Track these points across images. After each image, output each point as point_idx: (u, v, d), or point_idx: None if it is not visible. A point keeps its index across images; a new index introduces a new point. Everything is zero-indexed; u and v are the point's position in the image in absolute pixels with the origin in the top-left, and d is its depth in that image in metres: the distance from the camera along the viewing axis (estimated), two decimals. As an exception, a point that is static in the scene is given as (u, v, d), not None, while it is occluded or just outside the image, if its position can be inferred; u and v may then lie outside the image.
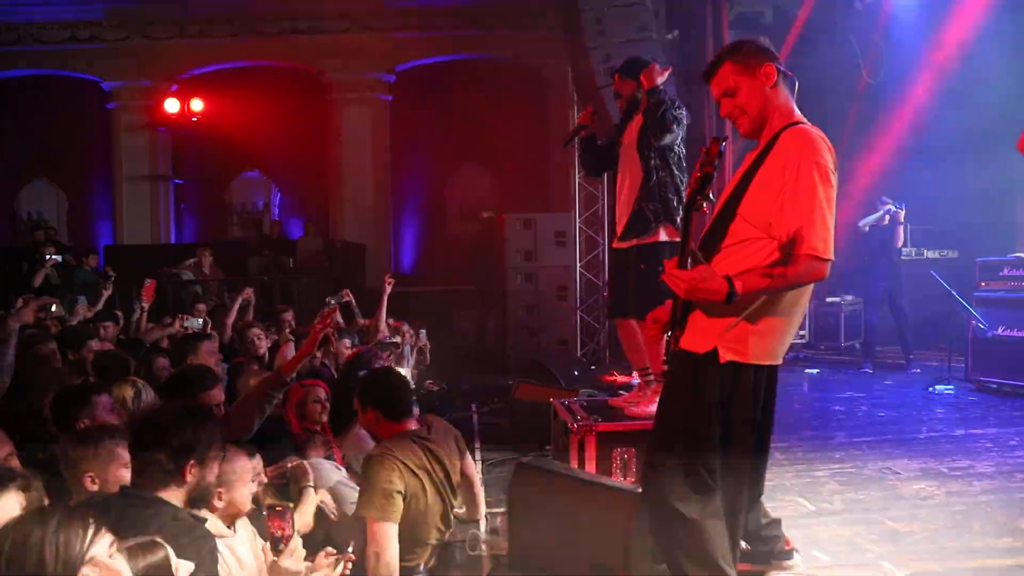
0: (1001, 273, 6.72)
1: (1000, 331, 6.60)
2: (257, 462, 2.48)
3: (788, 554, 2.96)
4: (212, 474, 2.17)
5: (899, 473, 4.47)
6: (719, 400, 2.42)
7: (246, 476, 2.41)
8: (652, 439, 2.65)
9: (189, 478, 2.09)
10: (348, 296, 6.66)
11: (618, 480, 3.76)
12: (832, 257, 2.31)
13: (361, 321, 6.82)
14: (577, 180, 9.89)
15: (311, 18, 12.28)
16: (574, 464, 3.86)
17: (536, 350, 8.85)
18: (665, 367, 2.68)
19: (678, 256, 2.33)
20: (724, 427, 2.45)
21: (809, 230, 2.28)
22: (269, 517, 2.38)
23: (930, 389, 6.83)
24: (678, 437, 2.48)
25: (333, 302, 4.29)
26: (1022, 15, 7.74)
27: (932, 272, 7.37)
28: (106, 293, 6.73)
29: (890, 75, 9.05)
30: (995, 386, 6.59)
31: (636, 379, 7.64)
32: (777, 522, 2.96)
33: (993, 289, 6.74)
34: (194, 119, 12.27)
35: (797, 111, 2.51)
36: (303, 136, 12.90)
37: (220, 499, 2.34)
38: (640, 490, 2.75)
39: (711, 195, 2.22)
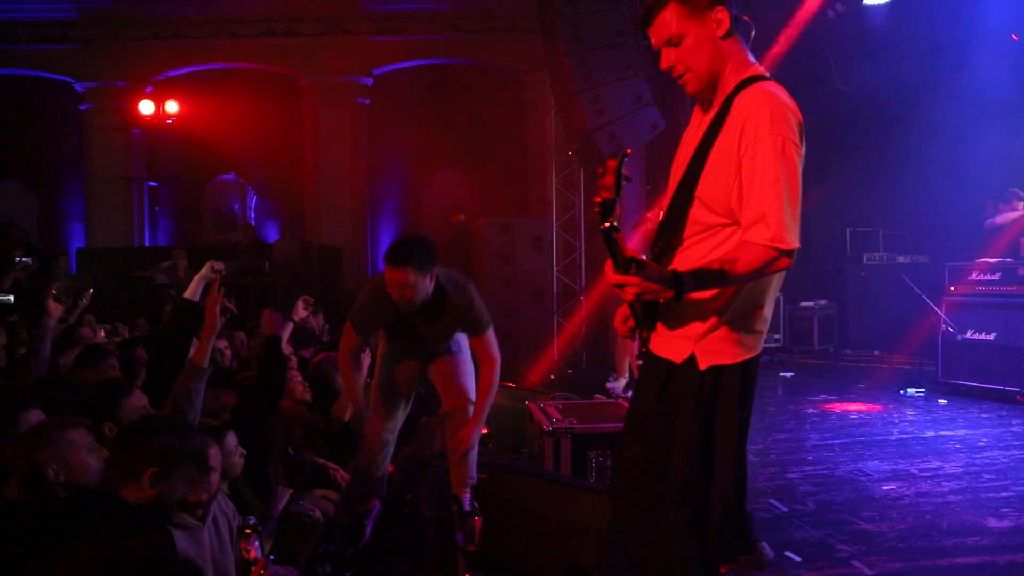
0: (970, 278, 6.85)
1: (969, 334, 6.72)
2: (216, 450, 2.46)
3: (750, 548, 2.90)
4: (177, 491, 2.16)
5: (870, 475, 4.53)
6: (698, 408, 2.17)
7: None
8: (624, 446, 2.39)
9: (148, 485, 2.09)
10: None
11: (593, 482, 3.78)
12: (797, 245, 1.98)
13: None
14: (554, 185, 9.94)
15: (288, 20, 12.22)
16: (549, 466, 3.88)
17: (512, 354, 8.86)
18: (639, 361, 2.43)
19: (613, 263, 1.94)
20: (707, 432, 2.21)
21: (772, 217, 1.96)
22: (239, 540, 2.39)
23: (901, 392, 6.94)
24: (653, 445, 2.25)
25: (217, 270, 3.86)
26: (997, 18, 7.90)
27: (904, 276, 7.49)
28: (84, 304, 6.26)
29: (861, 82, 9.19)
30: (965, 388, 6.70)
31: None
32: (748, 516, 2.90)
33: (962, 293, 6.87)
34: (169, 121, 12.16)
35: (754, 61, 2.13)
36: (279, 139, 12.83)
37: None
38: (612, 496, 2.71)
39: (616, 223, 1.84)
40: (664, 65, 2.13)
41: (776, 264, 1.99)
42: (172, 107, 12.13)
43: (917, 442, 5.26)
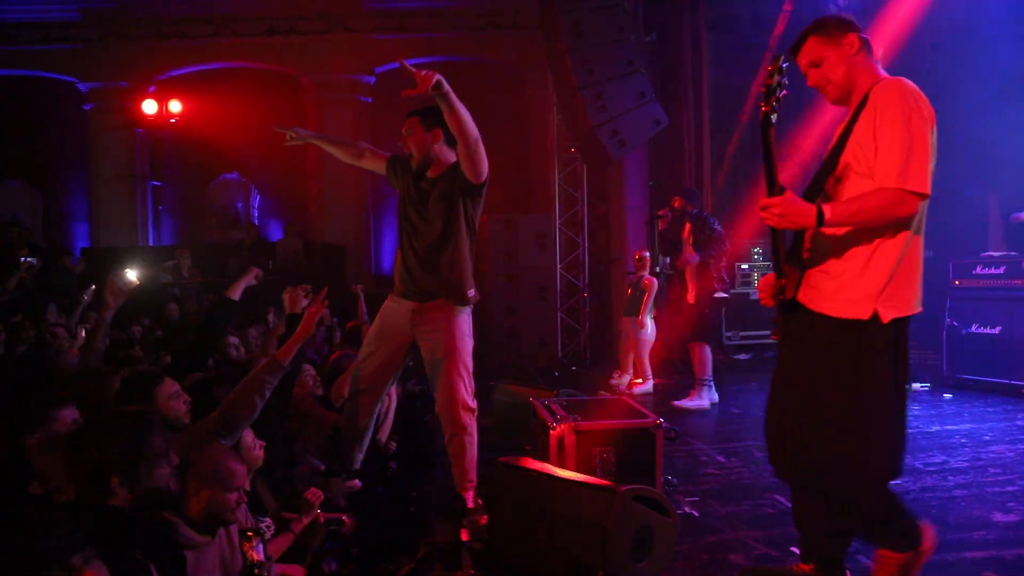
0: (974, 272, 6.83)
1: (974, 328, 6.70)
2: (243, 471, 2.46)
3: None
4: (161, 479, 2.16)
5: (875, 469, 4.52)
6: (892, 358, 2.48)
7: (230, 480, 2.39)
8: (816, 418, 2.53)
9: (120, 490, 2.07)
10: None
11: (597, 479, 3.78)
12: (927, 191, 2.38)
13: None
14: (557, 182, 9.93)
15: (290, 19, 12.22)
16: (554, 463, 3.87)
17: (516, 351, 8.87)
18: (777, 320, 2.70)
19: (767, 189, 2.45)
20: (897, 380, 2.52)
21: (897, 162, 2.37)
22: (241, 544, 2.39)
23: (906, 387, 6.92)
24: (859, 413, 2.47)
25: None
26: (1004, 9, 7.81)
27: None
28: (85, 301, 6.43)
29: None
30: (970, 383, 6.69)
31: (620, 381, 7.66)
32: None
33: (967, 287, 6.85)
34: (172, 120, 12.16)
35: (882, 71, 2.62)
36: (282, 138, 12.82)
37: (199, 499, 2.34)
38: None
39: (775, 104, 2.37)
40: (810, 82, 2.67)
41: (905, 205, 2.39)
42: (175, 106, 12.13)
43: (922, 436, 5.25)
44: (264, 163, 13.25)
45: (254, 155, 13.08)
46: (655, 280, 7.47)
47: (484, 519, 3.43)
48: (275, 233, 13.01)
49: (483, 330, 9.53)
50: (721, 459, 4.92)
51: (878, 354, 2.47)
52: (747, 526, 3.69)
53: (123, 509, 2.07)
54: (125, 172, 12.42)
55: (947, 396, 6.53)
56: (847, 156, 2.52)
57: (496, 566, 3.23)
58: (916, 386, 6.90)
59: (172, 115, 12.13)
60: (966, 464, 4.52)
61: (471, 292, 3.63)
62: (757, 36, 9.17)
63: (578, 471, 3.80)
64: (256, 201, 13.88)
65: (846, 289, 2.50)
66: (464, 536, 3.51)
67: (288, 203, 13.48)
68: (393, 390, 4.63)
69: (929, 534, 2.63)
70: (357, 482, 3.78)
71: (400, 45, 12.39)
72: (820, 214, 2.38)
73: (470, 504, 3.56)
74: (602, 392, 6.82)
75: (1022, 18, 7.73)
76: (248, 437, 2.87)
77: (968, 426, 5.47)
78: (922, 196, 2.39)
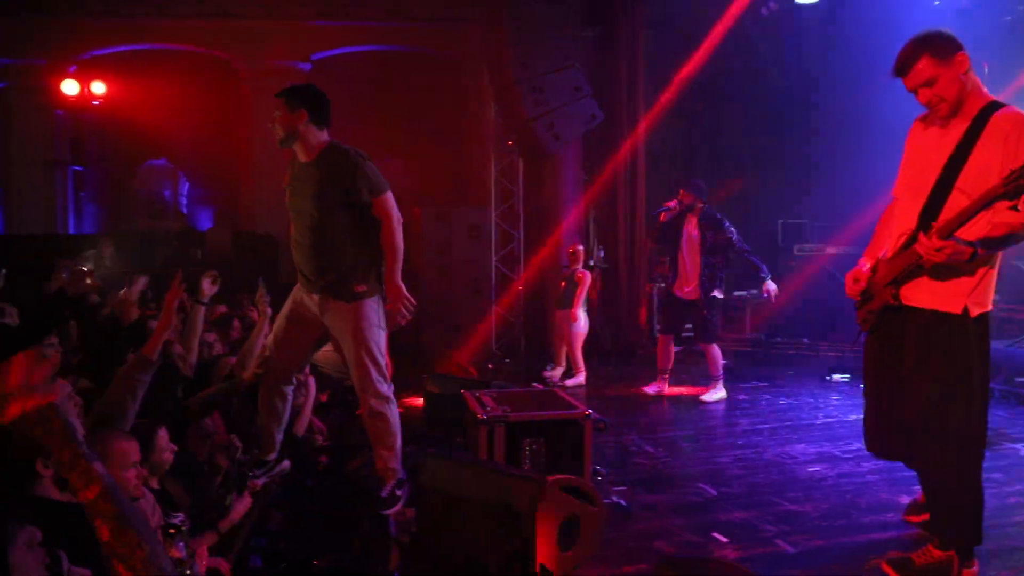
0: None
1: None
2: (134, 447, 2.40)
3: None
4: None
5: (796, 457, 4.69)
6: (978, 348, 2.79)
7: (119, 460, 2.33)
8: (920, 400, 2.84)
9: (43, 470, 2.02)
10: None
11: (527, 470, 3.81)
12: None
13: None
14: (493, 174, 9.93)
15: (224, 2, 11.86)
16: (484, 455, 3.89)
17: (450, 343, 8.85)
18: (867, 319, 3.07)
19: (925, 232, 2.72)
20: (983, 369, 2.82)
21: None
22: (163, 542, 2.34)
23: (827, 378, 7.19)
24: (958, 395, 2.78)
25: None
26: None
27: (834, 271, 7.71)
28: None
29: (796, 76, 9.42)
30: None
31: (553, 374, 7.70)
32: None
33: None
34: (95, 102, 11.66)
35: (985, 89, 2.80)
36: (213, 124, 12.46)
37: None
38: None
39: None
40: (921, 100, 2.83)
41: None
42: (99, 88, 11.63)
43: (841, 425, 5.47)
44: (194, 149, 12.83)
45: (183, 141, 12.65)
46: (588, 274, 7.56)
47: (411, 512, 3.42)
48: (205, 222, 12.63)
49: (417, 322, 9.47)
50: (649, 449, 5.02)
51: (967, 345, 2.78)
52: (672, 514, 3.78)
53: (37, 497, 2.01)
54: (43, 156, 11.85)
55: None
56: (962, 179, 2.72)
57: (424, 558, 3.22)
58: (836, 377, 7.17)
59: (95, 97, 11.63)
60: (880, 451, 4.72)
61: (360, 287, 3.48)
62: (695, 34, 9.33)
63: (508, 462, 3.83)
64: (185, 188, 13.44)
65: (944, 286, 2.80)
66: (392, 529, 3.49)
67: (219, 191, 13.10)
68: (311, 383, 4.57)
69: (975, 568, 2.87)
70: (287, 463, 3.73)
71: (337, 33, 12.20)
72: (974, 251, 2.62)
73: (383, 493, 3.54)
74: (535, 384, 6.87)
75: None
76: (162, 439, 2.79)
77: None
78: None
